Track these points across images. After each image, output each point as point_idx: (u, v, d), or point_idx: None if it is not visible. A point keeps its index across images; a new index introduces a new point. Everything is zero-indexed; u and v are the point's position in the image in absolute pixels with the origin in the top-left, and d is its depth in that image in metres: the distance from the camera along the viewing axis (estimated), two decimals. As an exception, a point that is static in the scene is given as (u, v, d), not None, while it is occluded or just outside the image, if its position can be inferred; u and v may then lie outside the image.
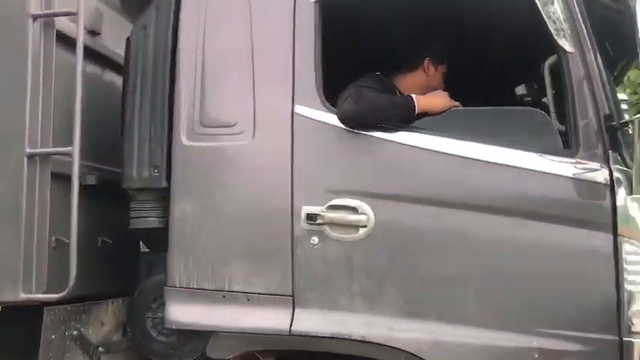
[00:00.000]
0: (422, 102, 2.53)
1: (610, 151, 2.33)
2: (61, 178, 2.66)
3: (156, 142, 2.68)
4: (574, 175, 2.33)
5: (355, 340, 2.38)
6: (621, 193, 2.30)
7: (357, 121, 2.44)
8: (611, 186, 2.31)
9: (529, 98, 3.40)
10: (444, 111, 2.55)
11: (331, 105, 2.50)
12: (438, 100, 2.60)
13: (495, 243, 2.38)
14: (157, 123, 2.69)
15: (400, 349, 2.33)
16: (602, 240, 2.30)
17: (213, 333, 2.55)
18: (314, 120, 2.50)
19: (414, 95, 2.56)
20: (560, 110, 2.51)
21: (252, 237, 2.53)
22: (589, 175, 2.32)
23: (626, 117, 2.53)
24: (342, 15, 2.60)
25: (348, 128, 2.46)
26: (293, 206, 2.47)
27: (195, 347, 2.62)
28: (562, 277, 2.33)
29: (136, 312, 2.75)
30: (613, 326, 2.26)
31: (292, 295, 2.45)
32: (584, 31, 2.42)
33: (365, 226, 2.40)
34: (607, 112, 2.37)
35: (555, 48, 2.44)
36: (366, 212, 2.40)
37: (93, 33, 2.97)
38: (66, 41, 2.71)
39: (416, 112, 2.50)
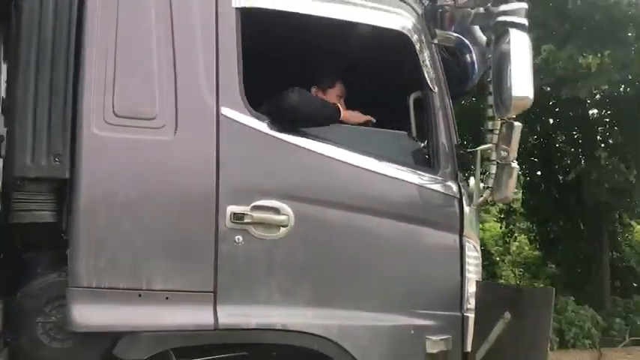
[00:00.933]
0: (345, 112, 2.89)
1: (458, 172, 3.05)
2: None
3: (56, 128, 2.42)
4: (434, 188, 2.98)
5: (277, 330, 2.58)
6: (465, 203, 3.04)
7: (299, 114, 2.71)
8: (459, 198, 3.03)
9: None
10: (361, 123, 2.96)
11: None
12: (357, 112, 3.00)
13: (379, 241, 2.87)
14: (59, 108, 2.42)
15: (314, 335, 2.63)
16: (452, 240, 2.99)
17: (122, 334, 2.43)
18: (238, 122, 2.61)
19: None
20: (421, 135, 3.13)
21: (174, 235, 2.50)
22: (444, 189, 3.00)
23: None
24: (261, 29, 2.75)
25: (273, 130, 2.66)
26: (218, 206, 2.53)
27: (96, 352, 2.45)
28: (428, 268, 2.96)
29: (22, 317, 2.40)
30: (457, 305, 2.98)
31: (214, 292, 2.51)
32: (442, 75, 3.10)
33: (286, 226, 2.62)
34: (456, 142, 3.09)
35: (422, 86, 3.06)
36: (287, 213, 2.62)
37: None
38: None
39: (340, 118, 2.85)
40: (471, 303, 3.00)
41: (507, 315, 2.78)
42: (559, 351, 8.90)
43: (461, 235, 3.01)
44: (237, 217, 2.54)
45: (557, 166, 11.46)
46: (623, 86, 9.16)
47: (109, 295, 2.40)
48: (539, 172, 11.89)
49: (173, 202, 2.51)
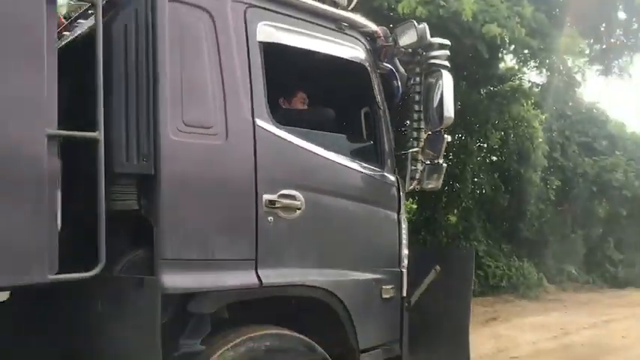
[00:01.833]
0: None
1: (400, 166, 4.21)
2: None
3: (143, 135, 3.03)
4: (383, 180, 4.10)
5: (296, 285, 3.50)
6: (401, 189, 4.21)
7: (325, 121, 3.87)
8: (397, 186, 4.19)
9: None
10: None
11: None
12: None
13: (353, 218, 3.91)
14: (144, 119, 3.04)
15: (318, 287, 3.59)
16: (393, 216, 4.15)
17: (195, 294, 3.14)
18: (267, 130, 3.44)
19: None
20: (370, 139, 4.20)
21: (229, 217, 3.27)
22: (389, 180, 4.14)
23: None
24: (276, 57, 3.59)
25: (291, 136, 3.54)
26: (257, 194, 3.35)
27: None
28: (380, 237, 4.09)
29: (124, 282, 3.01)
30: (397, 263, 4.16)
31: (256, 260, 3.34)
32: (383, 95, 4.21)
33: (300, 209, 3.52)
34: (394, 144, 4.24)
35: (372, 103, 4.14)
36: (300, 199, 3.53)
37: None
38: None
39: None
40: (405, 262, 4.20)
41: (437, 267, 4.04)
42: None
43: (398, 213, 4.19)
44: (270, 202, 3.39)
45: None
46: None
47: (186, 265, 3.10)
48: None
49: (227, 192, 3.27)
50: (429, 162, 4.14)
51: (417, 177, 4.19)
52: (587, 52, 14.42)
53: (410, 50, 4.20)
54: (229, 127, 3.29)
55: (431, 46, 4.09)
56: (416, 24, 4.09)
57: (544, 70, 13.43)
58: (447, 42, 4.14)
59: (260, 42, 3.50)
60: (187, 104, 3.16)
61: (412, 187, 4.23)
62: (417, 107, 4.19)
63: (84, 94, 3.00)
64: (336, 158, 3.80)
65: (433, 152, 4.14)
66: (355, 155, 4.00)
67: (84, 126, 2.94)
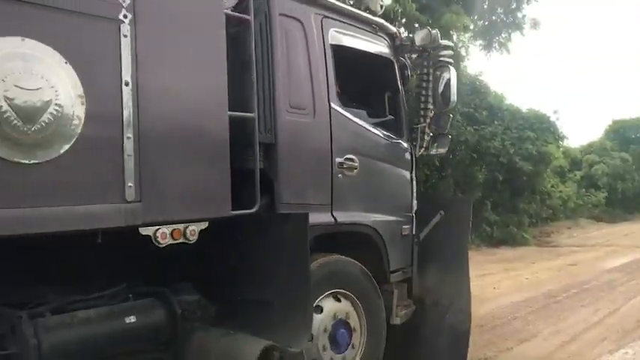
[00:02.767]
0: None
1: (412, 137, 5.61)
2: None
3: (267, 114, 4.22)
4: (401, 146, 5.50)
5: (358, 224, 4.85)
6: (414, 155, 5.62)
7: None
8: (411, 152, 5.60)
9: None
10: None
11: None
12: None
13: (384, 174, 5.28)
14: (268, 101, 4.23)
15: (369, 226, 4.97)
16: (408, 174, 5.57)
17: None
18: (337, 111, 4.71)
19: None
20: (395, 117, 5.56)
21: (316, 174, 4.55)
22: (405, 147, 5.54)
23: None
24: (342, 57, 4.84)
25: (349, 114, 4.83)
26: (332, 158, 4.64)
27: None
28: (399, 190, 5.50)
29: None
30: (410, 209, 5.61)
31: (331, 204, 4.64)
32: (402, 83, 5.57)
33: (357, 169, 4.85)
34: (408, 119, 5.62)
35: (393, 89, 5.49)
36: (356, 161, 4.84)
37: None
38: None
39: None
40: (415, 208, 5.65)
41: (442, 212, 5.52)
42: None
43: (411, 172, 5.62)
44: (340, 164, 4.69)
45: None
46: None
47: (295, 207, 4.35)
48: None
49: (315, 156, 4.54)
50: (432, 135, 5.58)
51: (425, 145, 5.63)
52: (472, 27, 16.15)
53: (421, 48, 5.58)
54: (316, 109, 4.54)
55: (439, 47, 5.48)
56: (430, 29, 5.46)
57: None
58: (451, 44, 5.55)
59: (331, 44, 4.74)
60: (292, 92, 4.37)
61: (420, 152, 5.67)
62: (424, 92, 5.60)
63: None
64: (374, 130, 5.14)
65: (438, 127, 5.58)
66: (383, 127, 5.34)
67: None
